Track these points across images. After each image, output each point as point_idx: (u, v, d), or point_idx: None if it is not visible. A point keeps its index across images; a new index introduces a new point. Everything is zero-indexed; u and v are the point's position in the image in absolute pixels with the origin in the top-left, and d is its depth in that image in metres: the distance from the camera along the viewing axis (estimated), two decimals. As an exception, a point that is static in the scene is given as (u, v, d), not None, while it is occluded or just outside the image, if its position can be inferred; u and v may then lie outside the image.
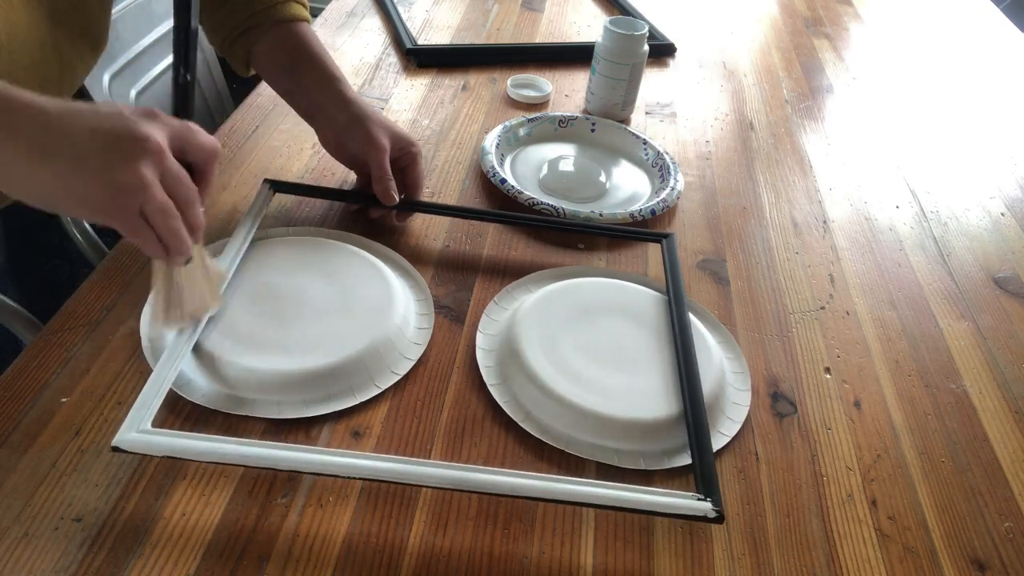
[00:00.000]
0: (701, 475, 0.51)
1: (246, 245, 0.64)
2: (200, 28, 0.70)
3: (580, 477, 0.52)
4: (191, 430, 0.52)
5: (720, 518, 0.48)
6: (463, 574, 0.47)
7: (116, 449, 0.47)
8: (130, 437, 0.48)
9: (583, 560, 0.49)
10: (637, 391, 0.57)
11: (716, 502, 0.49)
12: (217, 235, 0.67)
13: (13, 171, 0.42)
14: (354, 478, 0.48)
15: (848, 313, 0.71)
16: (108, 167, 0.42)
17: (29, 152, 0.41)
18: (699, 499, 0.49)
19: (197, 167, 0.47)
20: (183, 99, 0.48)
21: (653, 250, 0.75)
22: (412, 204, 0.72)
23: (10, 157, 0.42)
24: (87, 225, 0.85)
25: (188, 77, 0.47)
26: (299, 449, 0.48)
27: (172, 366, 0.53)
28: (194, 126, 0.46)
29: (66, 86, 0.66)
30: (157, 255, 0.47)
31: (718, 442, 0.56)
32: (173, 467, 0.50)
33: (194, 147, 0.46)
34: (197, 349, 0.55)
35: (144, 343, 0.57)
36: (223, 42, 0.70)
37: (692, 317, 0.65)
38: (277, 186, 0.72)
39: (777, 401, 0.61)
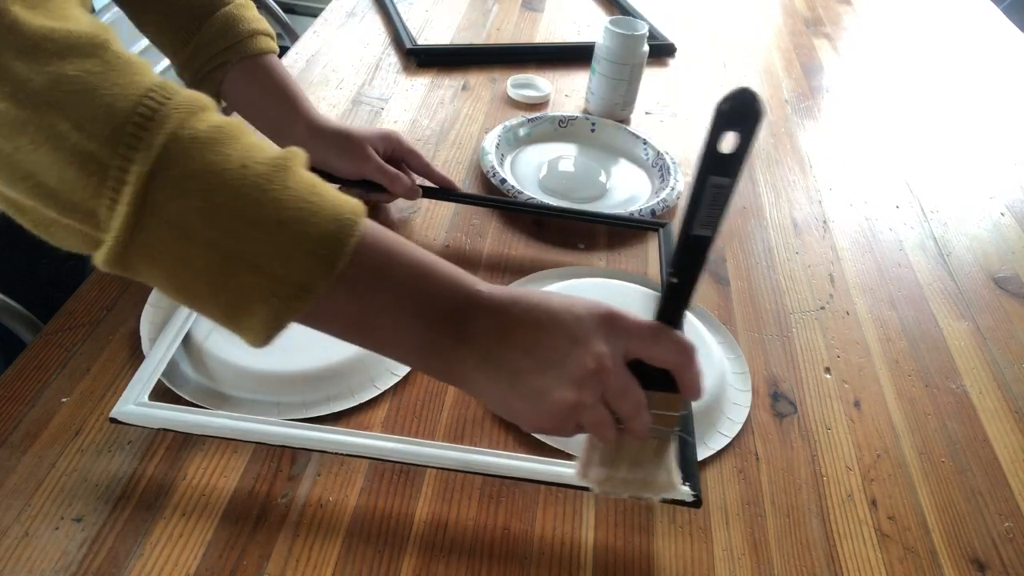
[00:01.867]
0: (682, 460, 0.51)
1: None
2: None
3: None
4: (191, 430, 0.52)
5: (698, 502, 0.48)
6: (464, 570, 0.47)
7: (114, 421, 0.47)
8: (128, 409, 0.48)
9: (584, 559, 0.49)
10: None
11: (694, 487, 0.49)
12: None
13: (473, 378, 0.41)
14: (357, 456, 0.48)
15: (848, 313, 0.71)
16: (544, 392, 0.40)
17: (487, 365, 0.41)
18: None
19: (672, 371, 0.42)
20: (668, 300, 0.42)
21: (653, 250, 0.75)
22: (429, 191, 0.74)
23: (473, 364, 0.41)
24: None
25: (677, 281, 0.42)
26: (303, 427, 0.49)
27: (169, 344, 0.53)
28: (663, 330, 0.42)
29: None
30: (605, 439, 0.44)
31: (718, 442, 0.56)
32: (173, 466, 0.50)
33: (658, 355, 0.42)
34: (197, 352, 0.56)
35: (144, 344, 0.57)
36: (192, 79, 0.70)
37: (693, 318, 0.65)
38: None
39: (777, 401, 0.61)
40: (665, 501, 0.49)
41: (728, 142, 0.35)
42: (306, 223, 0.37)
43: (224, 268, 0.36)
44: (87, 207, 0.35)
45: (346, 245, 0.37)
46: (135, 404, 0.49)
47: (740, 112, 0.34)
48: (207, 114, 0.37)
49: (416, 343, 0.41)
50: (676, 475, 0.46)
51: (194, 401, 0.53)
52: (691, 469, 0.50)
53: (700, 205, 0.38)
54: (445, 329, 0.41)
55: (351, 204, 0.39)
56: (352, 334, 0.42)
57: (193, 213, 0.35)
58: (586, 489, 0.49)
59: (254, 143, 0.38)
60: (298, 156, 0.40)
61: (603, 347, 0.40)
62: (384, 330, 0.41)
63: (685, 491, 0.48)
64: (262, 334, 0.38)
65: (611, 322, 0.41)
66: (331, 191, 0.39)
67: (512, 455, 0.50)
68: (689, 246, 0.40)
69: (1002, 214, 0.89)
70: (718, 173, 0.37)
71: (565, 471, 0.49)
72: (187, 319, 0.56)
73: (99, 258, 0.37)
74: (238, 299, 0.37)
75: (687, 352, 0.42)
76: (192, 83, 0.70)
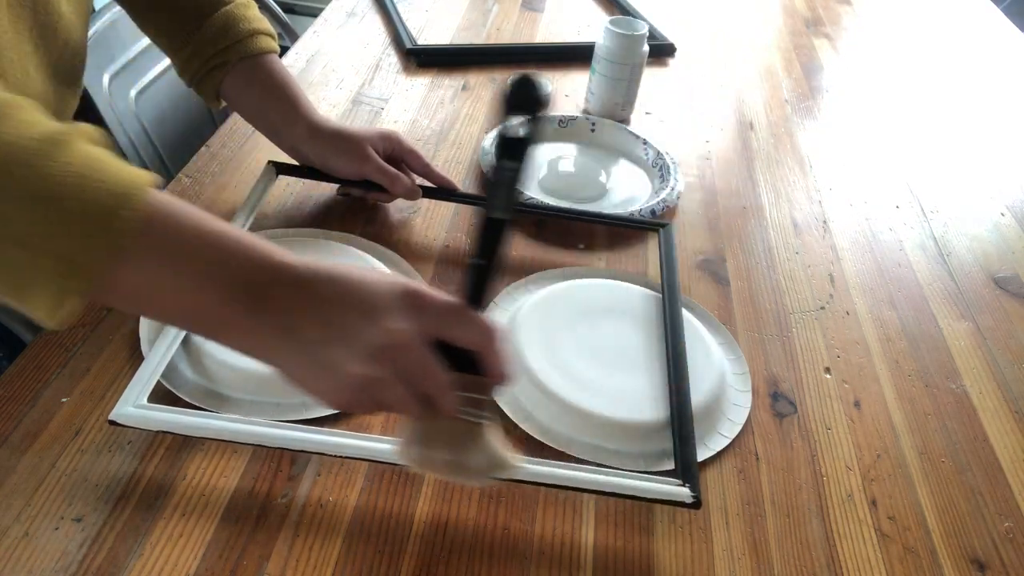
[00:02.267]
0: (682, 461, 0.51)
1: (249, 224, 0.65)
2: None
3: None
4: (191, 430, 0.52)
5: (697, 503, 0.48)
6: (464, 570, 0.47)
7: (113, 423, 0.47)
8: (127, 411, 0.48)
9: (584, 559, 0.49)
10: (638, 393, 0.57)
11: (694, 488, 0.49)
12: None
13: (273, 348, 0.40)
14: (356, 458, 0.48)
15: (848, 313, 0.71)
16: (339, 365, 0.39)
17: (284, 334, 0.40)
18: (678, 485, 0.49)
19: (473, 351, 0.42)
20: (472, 282, 0.42)
21: (652, 250, 0.75)
22: (430, 192, 0.74)
23: (272, 334, 0.40)
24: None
25: (480, 262, 0.41)
26: (302, 429, 0.49)
27: (168, 345, 0.53)
28: (465, 311, 0.41)
29: None
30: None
31: (718, 443, 0.56)
32: (173, 466, 0.50)
33: (459, 336, 0.41)
34: (196, 353, 0.56)
35: (143, 345, 0.56)
36: (191, 79, 0.70)
37: (694, 320, 0.65)
38: (281, 168, 0.73)
39: (777, 401, 0.61)
40: (665, 503, 0.49)
41: (516, 127, 0.36)
42: (80, 198, 0.35)
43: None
44: None
45: (123, 219, 0.36)
46: (134, 406, 0.49)
47: (522, 98, 0.35)
48: None
49: (213, 316, 0.40)
50: (499, 458, 0.45)
51: (193, 403, 0.53)
52: (691, 471, 0.50)
53: (498, 190, 0.39)
54: (243, 301, 0.39)
55: (136, 177, 0.37)
56: (145, 310, 0.41)
57: None
58: (582, 490, 0.49)
59: (31, 119, 0.36)
60: (81, 131, 0.37)
61: (400, 323, 0.40)
62: (178, 304, 0.39)
63: (685, 492, 0.49)
64: (49, 313, 0.36)
65: (412, 299, 0.41)
66: (117, 165, 0.37)
67: (524, 458, 0.50)
68: (488, 229, 0.40)
69: (1002, 214, 0.89)
70: (507, 157, 0.37)
71: (565, 472, 0.49)
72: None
73: None
74: (15, 278, 0.36)
75: (489, 334, 0.41)
76: (192, 83, 0.70)
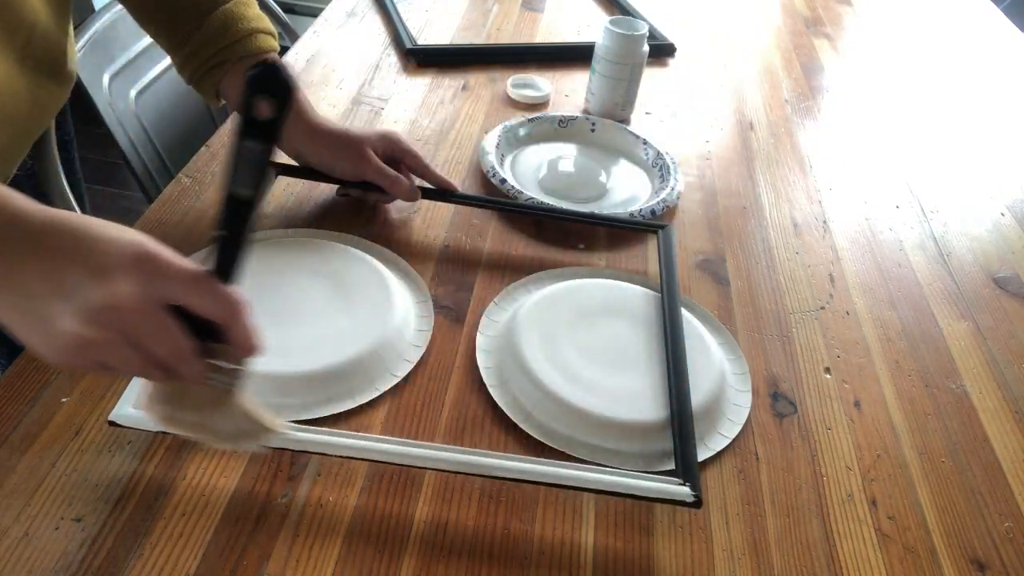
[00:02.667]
0: (682, 460, 0.51)
1: None
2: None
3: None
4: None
5: (698, 503, 0.48)
6: (464, 571, 0.47)
7: (112, 424, 0.47)
8: (126, 412, 0.48)
9: (584, 559, 0.49)
10: (637, 393, 0.57)
11: (695, 487, 0.49)
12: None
13: None
14: (356, 459, 0.48)
15: (848, 313, 0.71)
16: (56, 320, 0.38)
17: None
18: (679, 484, 0.49)
19: (217, 322, 0.41)
20: (218, 254, 0.40)
21: (652, 250, 0.75)
22: (430, 192, 0.74)
23: None
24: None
25: (224, 234, 0.40)
26: (301, 429, 0.49)
27: None
28: (207, 281, 0.40)
29: (35, 125, 0.66)
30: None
31: (718, 443, 0.56)
32: (173, 466, 0.50)
33: (198, 305, 0.40)
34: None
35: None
36: (191, 77, 0.70)
37: (694, 320, 0.65)
38: (282, 169, 0.73)
39: (777, 401, 0.61)
40: (666, 502, 0.49)
41: (262, 109, 0.36)
42: None
43: None
44: None
45: None
46: (134, 407, 0.49)
47: (265, 80, 0.36)
48: None
49: None
50: (252, 425, 0.44)
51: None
52: (691, 470, 0.50)
53: (236, 166, 0.38)
54: None
55: None
56: None
57: None
58: (582, 489, 0.49)
59: None
60: None
61: (127, 286, 0.38)
62: None
63: (685, 491, 0.49)
64: None
65: (146, 261, 0.39)
66: None
67: (511, 456, 0.50)
68: (229, 204, 0.39)
69: (1002, 214, 0.89)
70: (253, 137, 0.37)
71: (565, 472, 0.49)
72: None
73: None
74: None
75: (231, 306, 0.40)
76: (191, 81, 0.70)
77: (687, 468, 0.50)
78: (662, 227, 0.74)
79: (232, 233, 0.40)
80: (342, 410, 0.55)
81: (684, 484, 0.49)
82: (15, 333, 0.40)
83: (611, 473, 0.50)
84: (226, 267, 0.41)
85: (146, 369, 0.40)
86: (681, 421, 0.54)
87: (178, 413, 0.43)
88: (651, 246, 0.75)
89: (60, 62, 0.64)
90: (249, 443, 0.46)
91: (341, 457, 0.49)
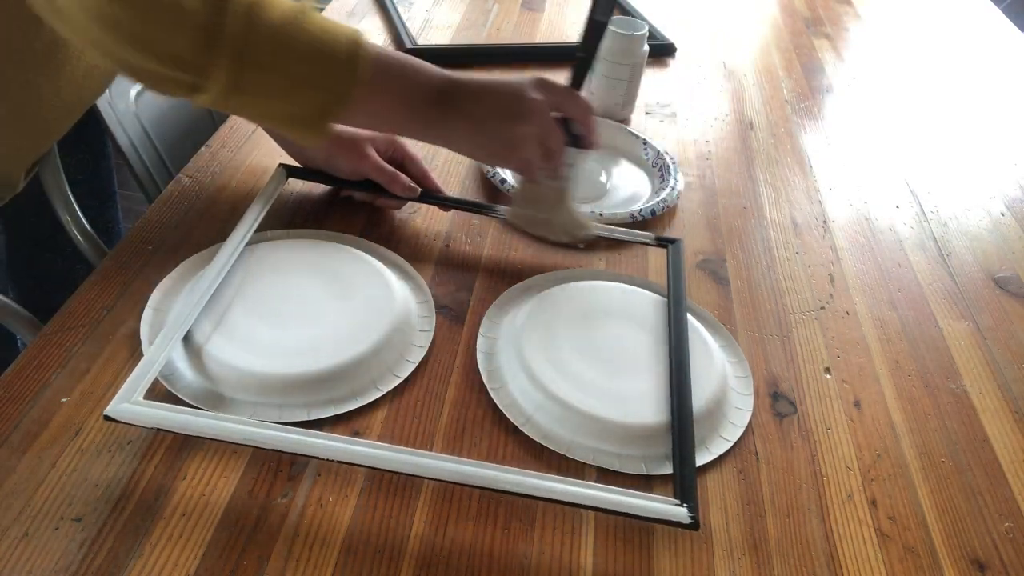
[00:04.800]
0: (681, 481, 0.50)
1: (255, 226, 0.65)
2: None
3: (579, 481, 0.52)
4: (191, 430, 0.52)
5: (695, 525, 0.48)
6: (464, 572, 0.47)
7: (108, 418, 0.47)
8: (122, 407, 0.48)
9: (583, 559, 0.49)
10: (639, 395, 0.57)
11: (692, 508, 0.48)
12: (217, 235, 0.67)
13: (455, 133, 0.61)
14: (354, 464, 0.48)
15: (848, 313, 0.71)
16: (502, 130, 0.60)
17: (461, 117, 0.60)
18: (676, 504, 0.49)
19: (577, 121, 0.62)
20: (576, 72, 0.64)
21: (654, 252, 0.75)
22: (428, 196, 0.74)
23: (455, 123, 0.60)
24: (86, 224, 0.85)
25: (583, 55, 0.63)
26: (300, 432, 0.49)
27: (167, 343, 0.53)
28: (574, 91, 0.63)
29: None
30: (536, 172, 0.64)
31: (720, 447, 0.56)
32: (173, 466, 0.50)
33: (569, 108, 0.62)
34: (198, 354, 0.55)
35: (144, 347, 0.56)
36: None
37: (695, 322, 0.65)
38: (292, 171, 0.73)
39: (777, 401, 0.61)
40: (662, 523, 0.49)
41: None
42: (334, 46, 0.53)
43: (291, 89, 0.53)
44: (196, 63, 0.49)
45: (359, 59, 0.54)
46: (130, 402, 0.49)
47: None
48: None
49: (420, 116, 0.59)
50: (579, 219, 0.68)
51: (193, 403, 0.53)
52: (690, 491, 0.50)
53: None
54: (437, 102, 0.59)
55: (352, 28, 0.55)
56: (371, 120, 0.61)
57: (268, 52, 0.51)
58: (579, 506, 0.48)
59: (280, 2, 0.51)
60: (309, 4, 0.54)
61: (539, 95, 0.60)
62: (395, 109, 0.59)
63: (683, 512, 0.48)
64: (320, 134, 0.55)
65: (542, 82, 0.61)
66: (336, 23, 0.54)
67: (508, 468, 0.49)
68: (592, 29, 0.62)
69: (1002, 214, 0.89)
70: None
71: (561, 487, 0.48)
72: (186, 320, 0.56)
73: (203, 100, 0.51)
74: (302, 110, 0.54)
75: (589, 109, 0.63)
76: None
77: (686, 488, 0.50)
78: (672, 242, 0.72)
79: (588, 53, 0.63)
80: (344, 411, 0.55)
81: (682, 505, 0.49)
82: (473, 151, 0.64)
83: (609, 491, 0.49)
84: (579, 81, 0.64)
85: (546, 159, 0.62)
86: (681, 440, 0.53)
87: (531, 211, 0.67)
88: (651, 247, 0.75)
89: (101, 79, 0.68)
90: (580, 234, 0.69)
91: (340, 463, 0.49)
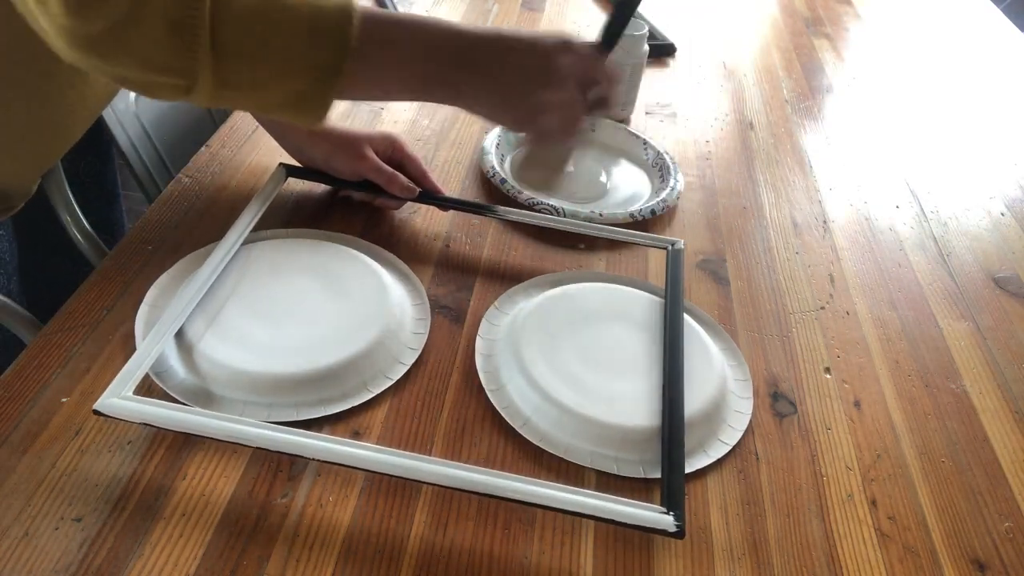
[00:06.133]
0: (668, 489, 0.50)
1: (253, 224, 0.65)
2: None
3: (579, 485, 0.52)
4: (191, 430, 0.52)
5: (680, 533, 0.47)
6: (463, 573, 0.47)
7: (97, 413, 0.47)
8: (111, 402, 0.48)
9: (583, 560, 0.49)
10: (636, 398, 0.57)
11: (679, 516, 0.48)
12: (217, 235, 0.67)
13: (476, 96, 0.57)
14: (353, 467, 0.48)
15: (848, 313, 0.71)
16: (527, 95, 0.56)
17: (484, 79, 0.56)
18: (663, 512, 0.48)
19: (601, 85, 0.59)
20: (612, 23, 0.60)
21: (654, 252, 0.75)
22: (426, 197, 0.73)
23: (476, 85, 0.56)
24: (86, 225, 0.85)
25: (622, 4, 0.60)
26: (294, 432, 0.48)
27: (159, 339, 0.53)
28: (599, 57, 0.59)
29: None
30: (555, 140, 0.61)
31: (719, 450, 0.56)
32: (173, 466, 0.50)
33: (596, 74, 0.58)
34: (190, 352, 0.55)
35: (138, 342, 0.56)
36: None
37: (695, 325, 0.64)
38: (292, 171, 0.73)
39: (777, 401, 0.61)
40: (647, 531, 0.48)
41: None
42: (319, 19, 0.49)
43: (279, 72, 0.49)
44: (173, 64, 0.47)
45: (351, 26, 0.49)
46: (120, 398, 0.48)
47: None
48: None
49: (436, 78, 0.55)
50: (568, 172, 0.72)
51: (184, 400, 0.53)
52: (677, 499, 0.49)
53: None
54: (455, 63, 0.55)
55: (336, 3, 0.50)
56: (380, 90, 0.57)
57: (246, 41, 0.48)
58: (570, 513, 0.47)
59: None
60: None
61: (568, 60, 0.56)
62: (409, 75, 0.55)
63: (668, 520, 0.47)
64: (320, 112, 0.52)
65: (568, 44, 0.57)
66: None
67: (503, 474, 0.48)
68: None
69: (1002, 214, 0.89)
70: None
71: (549, 493, 0.48)
72: (179, 317, 0.56)
73: (197, 100, 0.49)
74: (294, 92, 0.50)
75: (615, 75, 0.61)
76: None
77: (672, 496, 0.49)
78: (672, 243, 0.71)
79: (626, 11, 0.60)
80: (334, 412, 0.54)
81: (668, 513, 0.48)
82: (495, 117, 0.59)
83: (595, 497, 0.48)
84: (611, 40, 0.60)
85: (565, 128, 0.59)
86: (671, 447, 0.53)
87: (540, 174, 0.68)
88: (652, 247, 0.75)
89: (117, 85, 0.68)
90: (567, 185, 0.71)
91: (338, 465, 0.48)
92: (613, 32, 0.59)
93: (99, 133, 0.92)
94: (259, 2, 0.48)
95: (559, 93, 0.56)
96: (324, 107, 0.52)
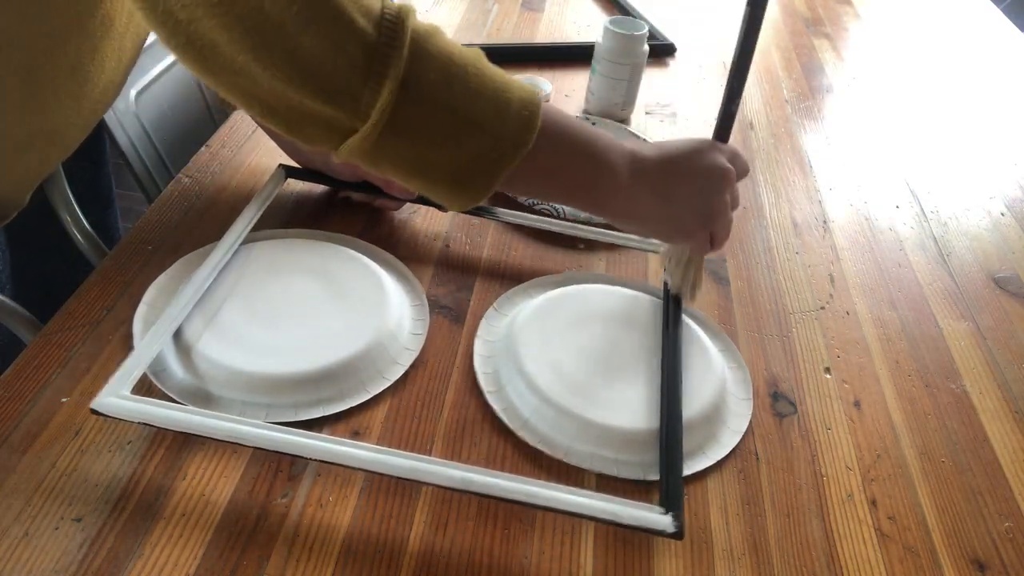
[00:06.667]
0: (667, 489, 0.50)
1: (252, 224, 0.65)
2: None
3: (579, 487, 0.52)
4: (191, 430, 0.52)
5: (679, 534, 0.47)
6: (463, 573, 0.47)
7: (95, 412, 0.47)
8: (108, 401, 0.48)
9: (583, 560, 0.49)
10: (637, 400, 0.57)
11: (677, 517, 0.47)
12: (217, 235, 0.67)
13: (641, 210, 0.56)
14: (352, 468, 0.48)
15: (848, 313, 0.71)
16: (702, 207, 0.57)
17: (654, 198, 0.55)
18: (661, 513, 0.48)
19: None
20: (727, 126, 0.60)
21: (653, 253, 0.75)
22: (425, 199, 0.73)
23: (643, 199, 0.55)
24: (87, 225, 0.85)
25: (733, 108, 0.59)
26: (294, 432, 0.48)
27: (157, 338, 0.53)
28: (739, 153, 0.60)
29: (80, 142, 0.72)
30: (708, 252, 0.61)
31: (718, 452, 0.56)
32: (173, 466, 0.50)
33: (740, 170, 0.59)
34: (188, 352, 0.55)
35: (136, 342, 0.56)
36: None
37: (694, 326, 0.64)
38: (291, 171, 0.73)
39: (777, 401, 0.61)
40: (646, 531, 0.48)
41: None
42: (509, 91, 0.47)
43: (458, 130, 0.46)
44: (353, 91, 0.42)
45: (539, 106, 0.48)
46: (117, 397, 0.48)
47: None
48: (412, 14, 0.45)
49: (606, 187, 0.53)
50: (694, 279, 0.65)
51: (182, 401, 0.53)
52: (675, 499, 0.49)
53: (748, 36, 0.55)
54: (626, 174, 0.53)
55: (525, 84, 0.49)
56: (547, 187, 0.54)
57: (437, 86, 0.44)
58: (568, 513, 0.48)
59: (450, 41, 0.47)
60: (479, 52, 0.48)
61: (726, 162, 0.57)
62: (574, 177, 0.53)
63: (667, 521, 0.47)
64: (483, 193, 0.48)
65: (717, 145, 0.58)
66: (508, 77, 0.49)
67: (500, 474, 0.48)
68: (739, 74, 0.58)
69: (1002, 214, 0.89)
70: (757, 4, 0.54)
71: (547, 493, 0.48)
72: (176, 317, 0.56)
73: (351, 144, 0.45)
74: (466, 159, 0.46)
75: (748, 167, 0.61)
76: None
77: (671, 497, 0.49)
78: None
79: (736, 102, 0.59)
80: (331, 412, 0.54)
81: (667, 514, 0.48)
82: (660, 232, 0.59)
83: (594, 497, 0.48)
84: (728, 132, 0.60)
85: (725, 230, 0.59)
86: (669, 449, 0.52)
87: (678, 271, 0.64)
88: (651, 251, 0.75)
89: (114, 94, 0.68)
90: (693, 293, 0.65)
91: (338, 465, 0.48)
92: (728, 120, 0.60)
93: (93, 139, 0.92)
94: (456, 55, 0.45)
95: (727, 195, 0.57)
96: (488, 184, 0.48)
